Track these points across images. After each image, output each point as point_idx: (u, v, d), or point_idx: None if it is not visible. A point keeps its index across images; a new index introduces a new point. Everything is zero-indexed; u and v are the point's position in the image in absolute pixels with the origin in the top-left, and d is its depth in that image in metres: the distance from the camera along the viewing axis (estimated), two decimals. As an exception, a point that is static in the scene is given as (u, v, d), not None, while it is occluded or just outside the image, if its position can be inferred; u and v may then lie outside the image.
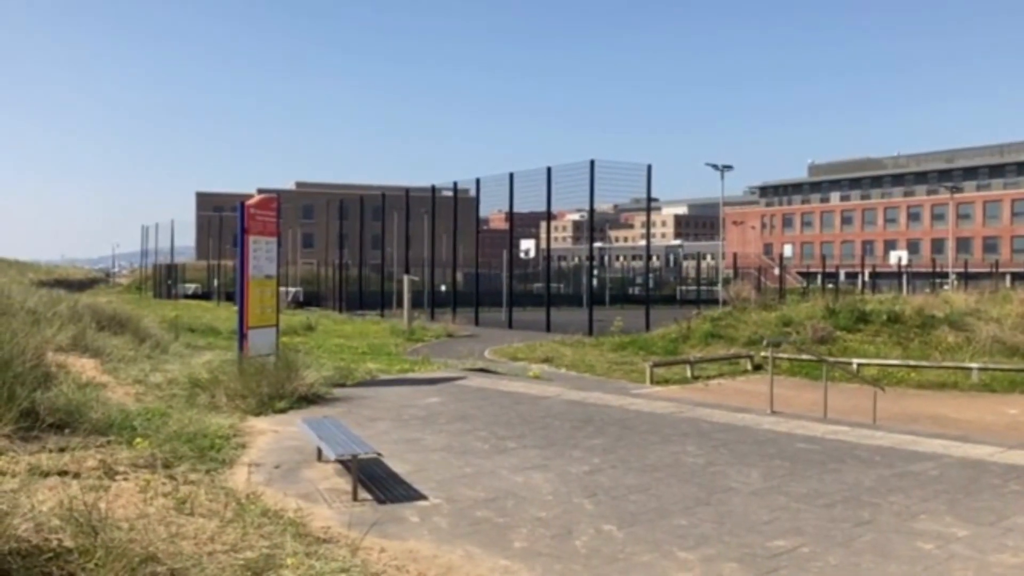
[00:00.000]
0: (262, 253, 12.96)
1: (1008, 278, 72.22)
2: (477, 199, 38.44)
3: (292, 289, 50.11)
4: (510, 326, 33.80)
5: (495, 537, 5.75)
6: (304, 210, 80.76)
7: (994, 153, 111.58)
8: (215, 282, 56.68)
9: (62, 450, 6.51)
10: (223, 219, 57.35)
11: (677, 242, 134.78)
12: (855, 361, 19.42)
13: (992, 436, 11.24)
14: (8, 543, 3.83)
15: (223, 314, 35.22)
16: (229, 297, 47.05)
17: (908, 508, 6.54)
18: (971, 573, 5.16)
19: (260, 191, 73.27)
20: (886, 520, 6.23)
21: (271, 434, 9.05)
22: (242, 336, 12.42)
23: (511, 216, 37.83)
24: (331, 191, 73.88)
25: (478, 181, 37.41)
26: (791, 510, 6.47)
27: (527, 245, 42.00)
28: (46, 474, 5.72)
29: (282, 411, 10.32)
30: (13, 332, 8.71)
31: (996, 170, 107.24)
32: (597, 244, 55.93)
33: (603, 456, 8.31)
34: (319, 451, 7.67)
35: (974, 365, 18.65)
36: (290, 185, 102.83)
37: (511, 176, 34.74)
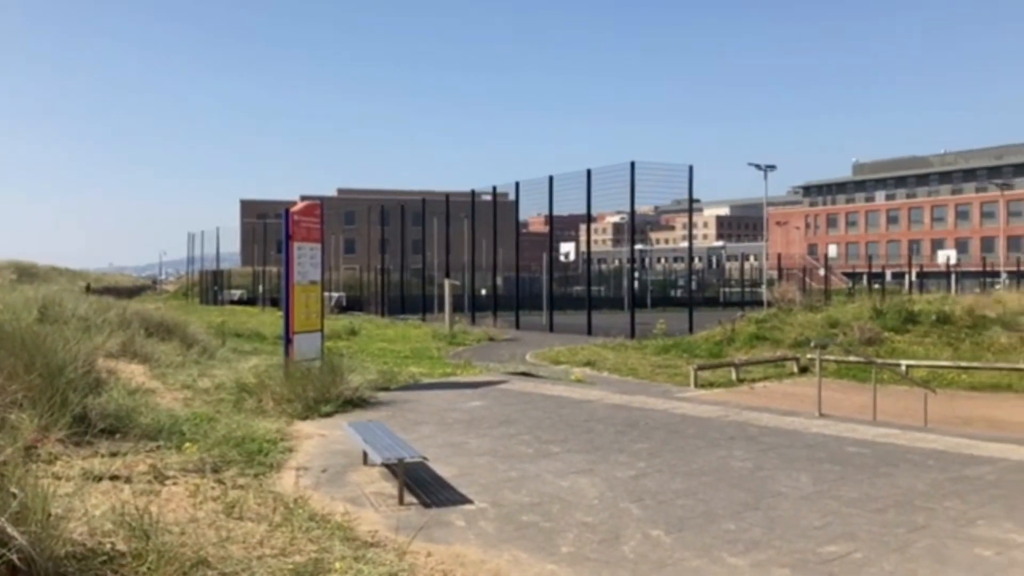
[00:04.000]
0: (306, 259, 13.09)
1: (1062, 277, 70.48)
2: (516, 203, 38.46)
3: (335, 294, 50.58)
4: (551, 329, 33.73)
5: (542, 542, 5.71)
6: (346, 216, 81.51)
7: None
8: (260, 288, 57.50)
9: (114, 455, 6.62)
10: (267, 226, 58.18)
11: (719, 243, 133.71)
12: (904, 363, 19.06)
13: (1050, 439, 10.93)
14: (64, 546, 3.89)
15: (268, 319, 35.64)
16: (274, 302, 47.66)
17: (965, 513, 6.37)
18: (1033, 580, 5.02)
19: (303, 198, 73.99)
20: (942, 526, 6.08)
21: (317, 438, 9.11)
22: (288, 341, 12.55)
23: (551, 219, 37.77)
24: (372, 197, 74.49)
25: (517, 185, 37.44)
26: (843, 515, 6.35)
27: (567, 248, 41.91)
28: (99, 478, 5.82)
29: (328, 415, 10.39)
30: (65, 339, 8.88)
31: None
32: (638, 246, 55.63)
33: (649, 460, 8.23)
34: (365, 455, 7.70)
35: (1029, 366, 18.18)
36: (332, 192, 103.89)
37: (550, 179, 34.72)
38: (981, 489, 7.12)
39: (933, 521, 6.18)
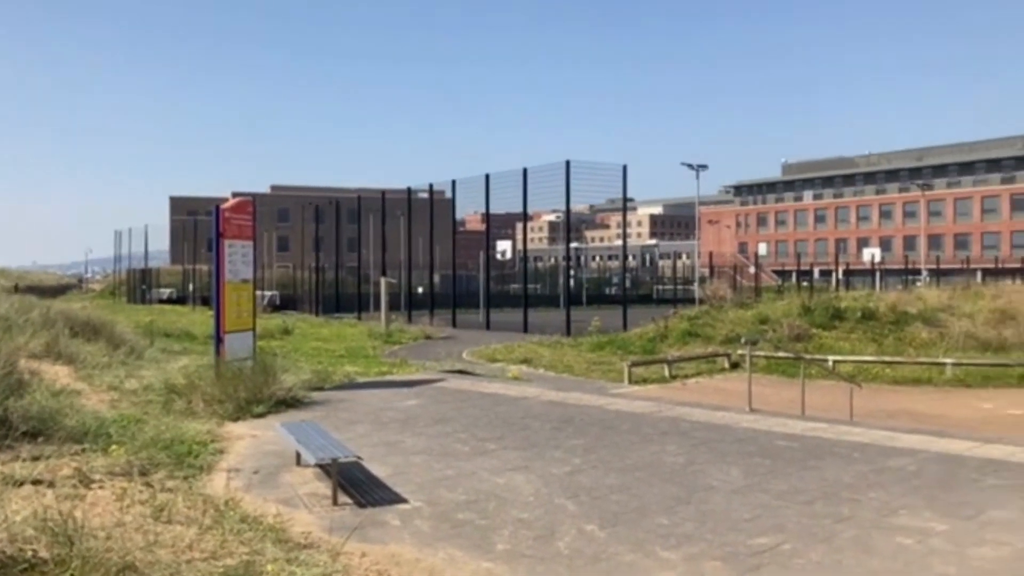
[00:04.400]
0: (238, 257, 12.85)
1: (979, 274, 73.29)
2: (453, 201, 38.36)
3: (268, 293, 49.80)
4: (488, 327, 33.74)
5: (477, 539, 5.72)
6: (279, 213, 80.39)
7: (963, 151, 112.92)
8: (190, 286, 56.23)
9: (36, 459, 6.41)
10: (198, 223, 56.88)
11: (653, 242, 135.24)
12: (831, 358, 19.58)
13: (968, 431, 11.34)
14: (-19, 555, 3.75)
15: (198, 318, 34.91)
16: (204, 301, 46.67)
17: (887, 504, 6.57)
18: (951, 567, 5.20)
19: (235, 195, 72.76)
20: (866, 516, 6.26)
21: (249, 439, 8.96)
22: (219, 340, 12.30)
23: (487, 217, 37.81)
24: (306, 194, 73.53)
25: (454, 183, 37.33)
26: (772, 507, 6.49)
27: (503, 246, 41.95)
28: (20, 483, 5.62)
29: (260, 416, 10.23)
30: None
31: (966, 168, 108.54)
32: (573, 244, 56.02)
33: (584, 456, 8.30)
34: (298, 455, 7.60)
35: (948, 361, 18.87)
36: (265, 189, 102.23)
37: (487, 177, 34.74)
38: (903, 480, 7.36)
39: (858, 512, 6.37)
